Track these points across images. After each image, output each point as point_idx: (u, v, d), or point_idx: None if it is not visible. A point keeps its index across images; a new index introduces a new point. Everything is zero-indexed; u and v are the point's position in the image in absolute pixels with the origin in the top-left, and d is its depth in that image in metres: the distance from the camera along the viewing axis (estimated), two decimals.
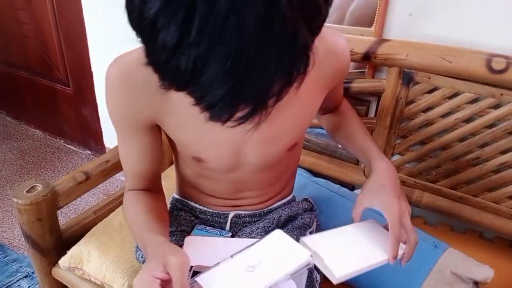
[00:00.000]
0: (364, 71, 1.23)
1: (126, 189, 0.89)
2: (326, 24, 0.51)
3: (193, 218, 0.98)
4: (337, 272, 0.76)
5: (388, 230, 0.79)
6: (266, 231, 0.93)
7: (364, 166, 1.28)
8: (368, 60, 1.14)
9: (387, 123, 1.19)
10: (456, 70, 1.05)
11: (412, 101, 1.15)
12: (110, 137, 2.17)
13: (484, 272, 0.97)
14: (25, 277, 1.62)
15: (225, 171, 0.84)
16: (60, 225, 1.16)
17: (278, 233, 0.80)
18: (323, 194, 1.20)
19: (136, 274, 1.04)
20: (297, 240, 0.94)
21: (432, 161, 1.18)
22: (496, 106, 1.06)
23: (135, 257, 1.03)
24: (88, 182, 1.19)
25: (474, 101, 1.08)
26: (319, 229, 1.06)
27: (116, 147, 1.25)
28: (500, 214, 1.13)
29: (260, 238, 0.78)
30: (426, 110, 1.14)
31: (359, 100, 1.27)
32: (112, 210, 1.26)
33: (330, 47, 0.76)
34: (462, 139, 1.12)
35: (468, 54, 1.03)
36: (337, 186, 1.26)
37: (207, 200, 0.97)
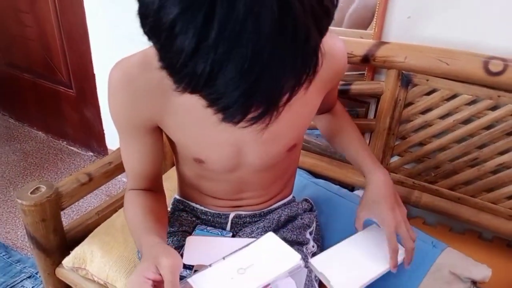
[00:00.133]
0: (364, 73, 1.24)
1: (127, 188, 0.90)
2: None
3: (194, 219, 0.99)
4: None
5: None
6: (266, 231, 0.94)
7: None
8: (367, 63, 1.15)
9: (386, 124, 1.20)
10: (454, 72, 1.06)
11: (410, 103, 1.17)
12: (112, 139, 2.18)
13: (482, 271, 0.98)
14: (29, 277, 1.64)
15: (226, 171, 0.86)
16: (63, 225, 1.18)
17: (270, 236, 0.82)
18: (323, 194, 1.22)
19: None
20: (297, 239, 0.96)
21: (431, 162, 1.19)
22: (494, 108, 1.07)
23: (137, 257, 1.04)
24: (91, 183, 1.21)
25: (472, 103, 1.09)
26: (319, 229, 1.07)
27: (119, 149, 1.27)
28: (498, 215, 1.14)
29: (253, 240, 0.80)
30: (425, 111, 1.16)
31: (359, 101, 1.29)
32: (115, 211, 1.28)
33: (328, 50, 0.77)
34: (460, 140, 1.14)
35: (466, 56, 1.04)
36: (337, 187, 1.27)
37: (208, 201, 0.98)
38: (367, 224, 0.93)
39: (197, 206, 1.00)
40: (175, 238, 0.95)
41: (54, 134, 2.50)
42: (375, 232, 1.00)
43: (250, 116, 0.51)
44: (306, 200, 1.06)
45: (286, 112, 0.53)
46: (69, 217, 1.88)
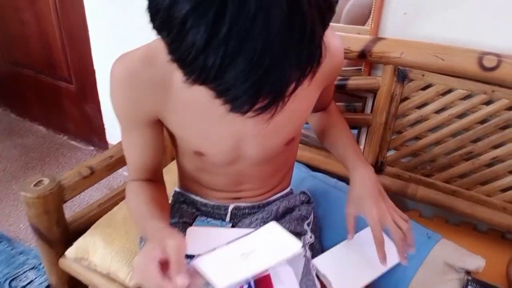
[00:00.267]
0: (361, 69, 1.26)
1: (129, 179, 0.92)
2: None
3: (194, 211, 1.01)
4: None
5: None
6: (265, 222, 0.97)
7: None
8: (364, 58, 1.17)
9: (383, 119, 1.22)
10: (449, 67, 1.08)
11: (406, 98, 1.19)
12: (112, 133, 2.21)
13: (476, 262, 1.01)
14: (32, 268, 1.66)
15: (226, 164, 0.88)
16: (66, 218, 1.20)
17: (273, 225, 0.84)
18: (320, 187, 1.24)
19: None
20: (295, 230, 0.99)
21: (427, 155, 1.21)
22: (488, 102, 1.09)
23: (139, 248, 1.06)
24: (92, 176, 1.23)
25: (466, 97, 1.11)
26: (316, 221, 1.09)
27: (120, 143, 1.29)
28: (492, 207, 1.16)
29: (256, 228, 0.82)
30: (420, 106, 1.18)
31: (356, 96, 1.31)
32: (116, 203, 1.30)
33: (326, 46, 0.80)
34: (455, 134, 1.16)
35: (461, 52, 1.06)
36: (334, 180, 1.29)
37: (208, 193, 1.00)
38: (360, 224, 0.95)
39: (197, 198, 1.02)
40: (175, 229, 0.97)
41: (55, 129, 2.52)
42: None
43: (257, 106, 0.53)
44: (303, 192, 1.08)
45: (284, 106, 0.56)
46: (71, 210, 1.90)
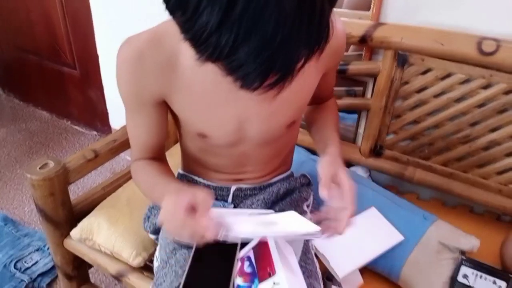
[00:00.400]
0: (362, 54, 1.27)
1: (133, 159, 0.94)
2: None
3: None
4: (340, 274, 0.97)
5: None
6: (266, 203, 1.00)
7: (360, 145, 1.34)
8: (364, 43, 1.19)
9: (383, 103, 1.24)
10: (448, 52, 1.09)
11: (406, 82, 1.20)
12: (115, 118, 2.23)
13: (470, 242, 1.03)
14: (37, 250, 1.70)
15: (228, 146, 0.90)
16: (71, 200, 1.23)
17: (292, 213, 0.84)
18: None
19: (144, 245, 1.11)
20: (294, 211, 1.01)
21: (425, 139, 1.23)
22: (486, 87, 1.11)
23: (143, 227, 1.09)
24: (96, 159, 1.25)
25: (465, 82, 1.13)
26: (315, 203, 1.12)
27: (123, 127, 1.31)
28: (488, 189, 1.19)
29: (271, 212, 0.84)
30: (420, 90, 1.19)
31: (357, 81, 1.32)
32: (120, 186, 1.33)
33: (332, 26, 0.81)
34: (453, 118, 1.18)
35: (460, 37, 1.08)
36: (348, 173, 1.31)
37: (211, 174, 1.02)
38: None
39: (200, 179, 1.04)
40: None
41: (59, 114, 2.54)
42: (373, 216, 1.09)
43: (267, 83, 0.55)
44: (304, 175, 1.11)
45: (285, 89, 0.58)
46: (75, 194, 1.93)
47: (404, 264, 1.02)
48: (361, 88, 1.33)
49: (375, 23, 1.17)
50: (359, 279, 1.04)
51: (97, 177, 2.05)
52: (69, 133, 2.43)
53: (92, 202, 1.27)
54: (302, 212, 1.02)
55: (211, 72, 0.59)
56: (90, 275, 1.41)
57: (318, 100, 1.04)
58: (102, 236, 1.15)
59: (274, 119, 0.86)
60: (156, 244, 1.07)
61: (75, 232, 1.18)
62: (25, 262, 1.65)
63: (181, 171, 1.09)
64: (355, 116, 1.39)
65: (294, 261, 0.80)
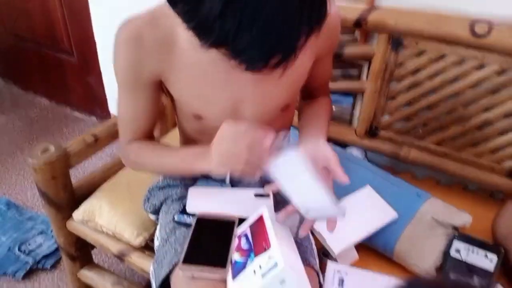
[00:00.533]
0: (357, 37, 1.29)
1: (126, 141, 0.95)
2: None
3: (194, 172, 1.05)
4: (336, 250, 0.99)
5: None
6: (262, 183, 1.02)
7: (356, 126, 1.36)
8: (359, 27, 1.20)
9: (378, 85, 1.26)
10: (441, 35, 1.11)
11: (400, 65, 1.22)
12: (114, 104, 2.22)
13: (462, 218, 1.06)
14: (40, 233, 1.73)
15: None
16: (72, 183, 1.25)
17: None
18: None
19: (144, 225, 1.14)
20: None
21: (419, 119, 1.25)
22: (479, 68, 1.13)
23: (143, 208, 1.11)
24: (97, 144, 1.27)
25: (458, 63, 1.15)
26: None
27: None
28: (482, 168, 1.21)
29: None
30: (414, 72, 1.21)
31: (352, 64, 1.34)
32: (120, 169, 1.35)
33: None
34: (447, 99, 1.20)
35: (453, 20, 1.09)
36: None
37: None
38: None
39: None
40: (178, 190, 1.02)
41: (58, 100, 2.55)
42: (368, 194, 1.12)
43: (271, 63, 0.58)
44: None
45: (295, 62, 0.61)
46: (77, 178, 1.95)
47: (398, 240, 1.05)
48: (356, 71, 1.35)
49: (369, 7, 1.18)
50: (355, 255, 1.07)
51: (98, 161, 2.07)
52: (69, 119, 2.44)
53: (93, 185, 1.29)
54: None
55: (206, 53, 0.60)
56: (93, 256, 1.45)
57: (313, 90, 1.05)
58: (104, 217, 1.18)
59: (268, 101, 0.88)
60: (156, 224, 1.09)
61: (77, 214, 1.21)
62: (29, 244, 1.69)
63: None
64: (351, 99, 1.41)
65: (289, 237, 0.83)
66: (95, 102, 2.34)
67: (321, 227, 1.03)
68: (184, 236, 0.91)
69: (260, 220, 0.81)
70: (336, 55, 1.26)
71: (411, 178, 1.33)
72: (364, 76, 1.34)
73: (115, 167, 1.37)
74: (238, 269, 0.76)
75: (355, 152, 1.40)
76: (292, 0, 0.52)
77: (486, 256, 1.00)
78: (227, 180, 1.05)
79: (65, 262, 1.38)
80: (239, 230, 0.85)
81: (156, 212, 1.07)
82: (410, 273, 1.04)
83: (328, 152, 0.77)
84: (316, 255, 0.95)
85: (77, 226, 1.24)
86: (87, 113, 2.46)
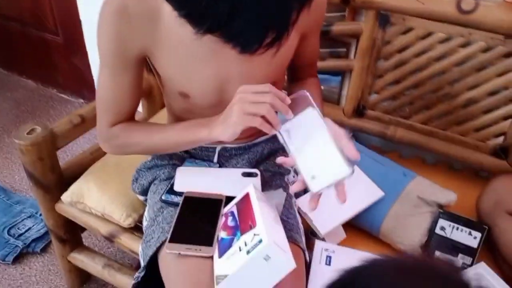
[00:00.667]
0: (344, 15, 1.28)
1: (107, 125, 0.92)
2: None
3: (183, 153, 1.06)
4: (323, 231, 1.01)
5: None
6: (251, 163, 1.03)
7: (344, 105, 1.37)
8: (347, 4, 1.20)
9: (365, 63, 1.26)
10: (428, 11, 1.11)
11: (388, 42, 1.22)
12: None
13: (447, 196, 1.08)
14: (29, 217, 1.72)
15: (211, 106, 0.91)
16: (60, 165, 1.25)
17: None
18: None
19: (133, 206, 1.14)
20: (279, 170, 1.05)
21: (406, 98, 1.26)
22: (465, 45, 1.13)
23: (131, 189, 1.12)
24: (84, 124, 1.26)
25: (445, 41, 1.15)
26: None
27: None
28: (466, 146, 1.23)
29: None
30: (401, 50, 1.21)
31: (340, 42, 1.33)
32: None
33: None
34: (433, 77, 1.20)
35: None
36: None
37: None
38: None
39: None
40: (166, 170, 1.02)
41: (44, 82, 2.51)
42: (355, 174, 1.10)
43: (265, 42, 0.59)
44: None
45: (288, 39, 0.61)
46: (64, 161, 1.95)
47: (384, 218, 1.07)
48: (344, 50, 1.35)
49: None
50: (343, 234, 1.09)
51: (85, 144, 2.06)
52: (55, 101, 2.42)
53: (81, 167, 1.29)
54: (286, 171, 1.05)
55: (191, 30, 0.60)
56: (83, 240, 1.45)
57: (300, 70, 1.05)
58: (93, 199, 1.18)
59: (254, 79, 0.87)
60: (145, 205, 1.10)
61: (65, 196, 1.21)
62: (18, 228, 1.68)
63: None
64: (339, 79, 1.41)
65: (275, 215, 0.84)
66: (82, 84, 2.31)
67: (308, 210, 1.03)
68: (171, 215, 0.92)
69: (246, 198, 0.82)
70: (324, 32, 1.25)
71: (398, 158, 1.34)
72: (352, 55, 1.34)
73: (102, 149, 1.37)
74: (225, 247, 0.77)
75: None
76: None
77: (470, 233, 1.03)
78: (215, 159, 1.05)
79: (55, 245, 1.38)
80: (226, 209, 0.86)
81: (145, 193, 1.08)
82: (396, 251, 1.06)
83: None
84: (302, 233, 0.96)
85: (66, 208, 1.24)
86: (74, 95, 2.43)
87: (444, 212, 1.05)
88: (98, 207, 1.17)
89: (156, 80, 0.99)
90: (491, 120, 1.18)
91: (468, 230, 1.03)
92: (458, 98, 1.19)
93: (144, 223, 1.04)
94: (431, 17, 1.12)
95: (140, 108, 0.99)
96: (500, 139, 1.19)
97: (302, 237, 0.95)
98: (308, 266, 0.95)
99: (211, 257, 0.79)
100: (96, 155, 1.34)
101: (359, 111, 1.33)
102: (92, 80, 2.22)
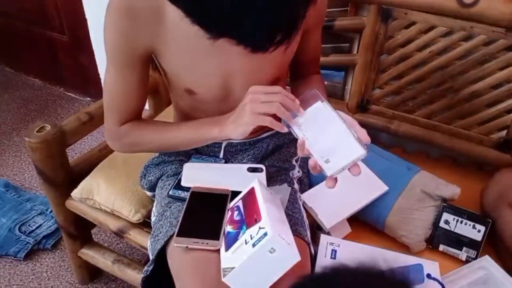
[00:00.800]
0: (347, 9, 1.29)
1: (115, 123, 0.93)
2: None
3: (189, 149, 1.08)
4: (328, 225, 1.02)
5: None
6: (256, 158, 1.04)
7: (348, 100, 1.38)
8: None
9: (368, 58, 1.27)
10: (430, 5, 1.12)
11: (390, 37, 1.23)
12: None
13: (451, 190, 1.08)
14: (39, 214, 1.75)
15: (216, 102, 0.93)
16: (69, 162, 1.27)
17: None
18: None
19: (142, 202, 1.16)
20: (283, 165, 1.06)
21: (409, 93, 1.27)
22: (467, 39, 1.14)
23: (140, 185, 1.14)
24: (92, 122, 1.29)
25: (447, 34, 1.16)
26: (304, 158, 1.16)
27: None
28: (470, 140, 1.24)
29: None
30: (403, 45, 1.22)
31: (344, 38, 1.34)
32: None
33: None
34: (436, 71, 1.21)
35: None
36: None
37: None
38: None
39: None
40: (173, 166, 1.04)
41: (51, 81, 2.54)
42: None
43: (276, 40, 0.61)
44: None
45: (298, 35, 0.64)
46: (72, 158, 1.97)
47: (389, 213, 1.07)
48: (347, 45, 1.36)
49: None
50: (348, 229, 1.10)
51: (93, 142, 2.09)
52: (63, 100, 2.44)
53: (90, 164, 1.31)
54: (290, 167, 1.07)
55: (194, 26, 0.62)
56: (93, 236, 1.48)
57: (303, 67, 1.06)
58: (102, 195, 1.20)
59: (257, 75, 0.89)
60: (153, 201, 1.12)
61: (75, 193, 1.23)
62: (29, 225, 1.71)
63: None
64: (343, 74, 1.42)
65: (280, 209, 0.85)
66: (88, 82, 2.34)
67: (313, 202, 1.05)
68: (179, 210, 0.93)
69: (252, 193, 0.84)
70: (326, 28, 1.26)
71: (402, 152, 1.35)
72: (355, 50, 1.34)
73: None
74: (231, 240, 0.78)
75: None
76: None
77: (474, 227, 1.03)
78: (221, 155, 1.07)
79: (66, 241, 1.41)
80: (232, 203, 0.88)
81: (153, 189, 1.10)
82: (400, 244, 1.07)
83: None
84: (307, 227, 0.98)
85: (76, 205, 1.27)
86: (81, 94, 2.45)
87: (448, 205, 1.05)
88: (107, 203, 1.19)
89: (162, 77, 1.01)
90: (494, 114, 1.18)
91: (472, 223, 1.03)
92: (461, 92, 1.20)
93: (152, 218, 1.06)
94: (432, 11, 1.13)
95: (146, 106, 1.01)
96: (504, 132, 1.20)
97: (307, 231, 0.96)
98: (313, 259, 0.96)
99: (218, 251, 0.81)
100: (105, 152, 1.36)
101: (362, 106, 1.35)
102: (99, 78, 2.25)
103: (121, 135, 0.95)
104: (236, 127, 0.81)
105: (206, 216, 0.87)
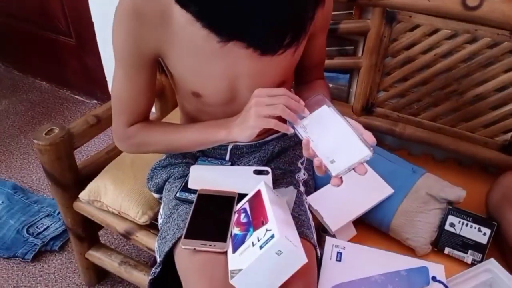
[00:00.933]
0: (352, 12, 1.30)
1: (123, 124, 0.95)
2: None
3: (196, 151, 1.09)
4: (333, 228, 1.03)
5: None
6: (262, 161, 1.05)
7: (353, 103, 1.38)
8: (354, 1, 1.22)
9: (373, 61, 1.27)
10: (434, 7, 1.13)
11: (395, 40, 1.23)
12: None
13: (456, 192, 1.08)
14: (47, 216, 1.77)
15: (222, 105, 0.93)
16: (77, 164, 1.28)
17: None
18: None
19: (149, 204, 1.17)
20: (289, 168, 1.07)
21: (414, 95, 1.27)
22: (471, 41, 1.14)
23: (147, 187, 1.15)
24: (99, 125, 1.30)
25: (451, 37, 1.16)
26: (310, 160, 1.17)
27: None
28: (475, 142, 1.24)
29: None
30: (408, 47, 1.22)
31: (348, 41, 1.35)
32: None
33: None
34: (440, 73, 1.21)
35: None
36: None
37: None
38: None
39: None
40: (180, 169, 1.05)
41: (58, 83, 2.56)
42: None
43: (285, 43, 0.62)
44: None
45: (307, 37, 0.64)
46: (80, 160, 1.99)
47: (394, 215, 1.07)
48: (352, 48, 1.36)
49: None
50: (353, 231, 1.11)
51: (101, 144, 2.10)
52: (70, 102, 2.46)
53: (97, 166, 1.33)
54: (296, 169, 1.08)
55: (201, 29, 0.63)
56: (100, 238, 1.49)
57: (308, 71, 1.06)
58: (109, 197, 1.21)
59: (263, 77, 0.90)
60: (160, 203, 1.13)
61: (83, 194, 1.24)
62: (36, 227, 1.73)
63: None
64: (347, 77, 1.42)
65: (286, 211, 0.86)
66: (95, 85, 2.36)
67: (319, 205, 1.06)
68: (186, 212, 0.94)
69: (258, 195, 0.84)
70: (331, 31, 1.27)
71: (407, 155, 1.36)
72: (359, 53, 1.35)
73: (117, 149, 1.40)
74: (238, 242, 0.79)
75: None
76: None
77: (479, 230, 1.03)
78: (227, 157, 1.08)
79: (73, 242, 1.42)
80: (239, 205, 0.89)
81: (160, 191, 1.11)
82: (406, 247, 1.07)
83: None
84: (313, 230, 0.98)
85: (84, 206, 1.28)
86: (88, 96, 2.47)
87: (454, 208, 1.06)
88: (115, 205, 1.21)
89: (168, 80, 1.02)
90: (499, 116, 1.19)
91: (477, 226, 1.03)
92: (465, 95, 1.20)
93: (160, 220, 1.07)
94: (437, 13, 1.14)
95: (153, 109, 1.02)
96: (508, 135, 1.20)
97: (313, 233, 0.97)
98: (319, 262, 0.97)
99: (225, 253, 0.82)
100: (112, 154, 1.37)
101: (367, 109, 1.35)
102: (105, 81, 2.27)
103: (128, 136, 0.97)
104: (242, 130, 0.82)
105: (213, 218, 0.87)
